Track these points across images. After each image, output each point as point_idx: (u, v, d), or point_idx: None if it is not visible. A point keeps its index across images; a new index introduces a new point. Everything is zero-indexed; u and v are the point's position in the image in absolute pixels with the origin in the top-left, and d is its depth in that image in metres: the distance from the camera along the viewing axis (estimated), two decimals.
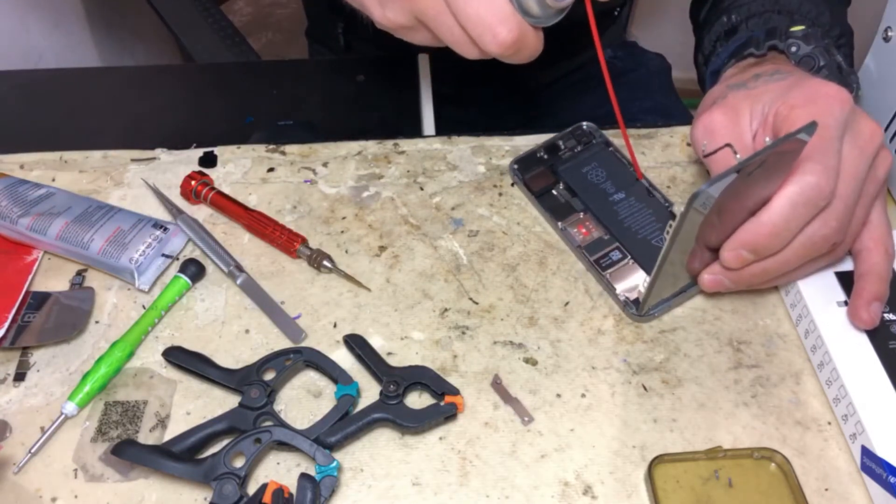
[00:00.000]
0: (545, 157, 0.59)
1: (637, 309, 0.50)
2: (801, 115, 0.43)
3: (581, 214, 0.55)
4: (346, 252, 0.55)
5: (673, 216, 0.53)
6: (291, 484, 0.42)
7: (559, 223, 0.55)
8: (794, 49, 0.52)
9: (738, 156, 0.44)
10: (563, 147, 0.59)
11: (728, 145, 0.45)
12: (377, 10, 0.42)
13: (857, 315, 0.45)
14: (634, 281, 0.51)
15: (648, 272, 0.52)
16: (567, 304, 0.51)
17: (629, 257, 0.52)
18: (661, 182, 0.58)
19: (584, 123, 0.60)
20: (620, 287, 0.51)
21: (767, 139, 0.41)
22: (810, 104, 0.44)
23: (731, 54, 0.55)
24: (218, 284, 0.53)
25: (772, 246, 0.44)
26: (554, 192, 0.57)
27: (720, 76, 0.55)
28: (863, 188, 0.45)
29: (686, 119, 0.76)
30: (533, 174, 0.58)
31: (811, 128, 0.40)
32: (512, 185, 0.58)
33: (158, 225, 0.53)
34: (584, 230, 0.54)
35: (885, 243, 0.46)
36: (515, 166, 0.58)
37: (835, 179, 0.42)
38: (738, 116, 0.47)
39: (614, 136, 0.60)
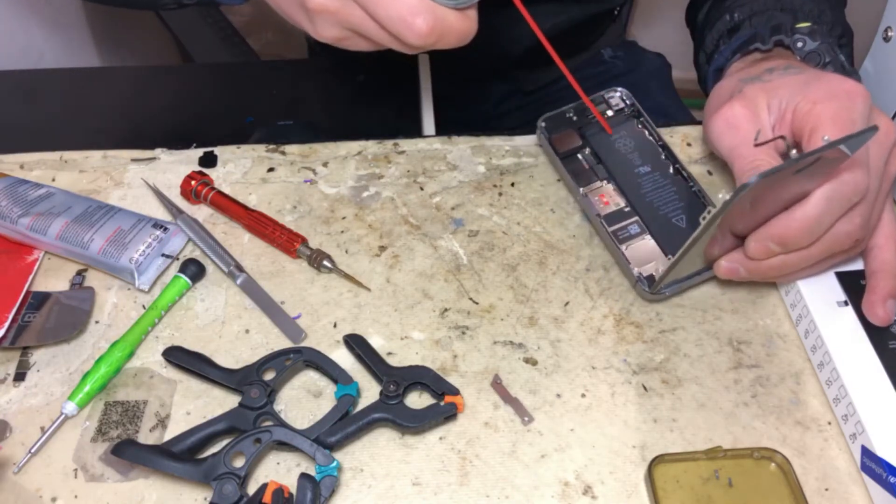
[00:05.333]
0: (574, 118, 0.58)
1: (650, 287, 0.49)
2: (823, 110, 0.43)
3: (604, 183, 0.55)
4: (346, 252, 0.55)
5: (712, 203, 0.53)
6: (291, 484, 0.42)
7: (581, 189, 0.54)
8: (799, 45, 0.51)
9: (794, 151, 0.43)
10: None
11: (782, 137, 0.44)
12: (310, 28, 0.42)
13: (873, 312, 0.45)
14: (650, 257, 0.51)
15: (665, 250, 0.51)
16: (567, 304, 0.51)
17: (647, 233, 0.52)
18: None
19: (619, 89, 0.59)
20: (635, 262, 0.51)
21: (826, 137, 0.41)
22: (832, 100, 0.43)
23: (735, 50, 0.54)
24: (218, 284, 0.53)
25: (801, 241, 0.43)
26: (579, 156, 0.56)
27: (724, 72, 0.55)
28: (880, 184, 0.45)
29: (686, 119, 0.76)
30: (560, 134, 0.57)
31: (872, 130, 0.39)
32: (512, 185, 0.58)
33: (158, 225, 0.53)
34: (605, 199, 0.54)
35: (895, 240, 0.46)
36: (543, 124, 0.58)
37: (867, 174, 0.42)
38: (757, 108, 0.46)
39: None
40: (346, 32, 0.41)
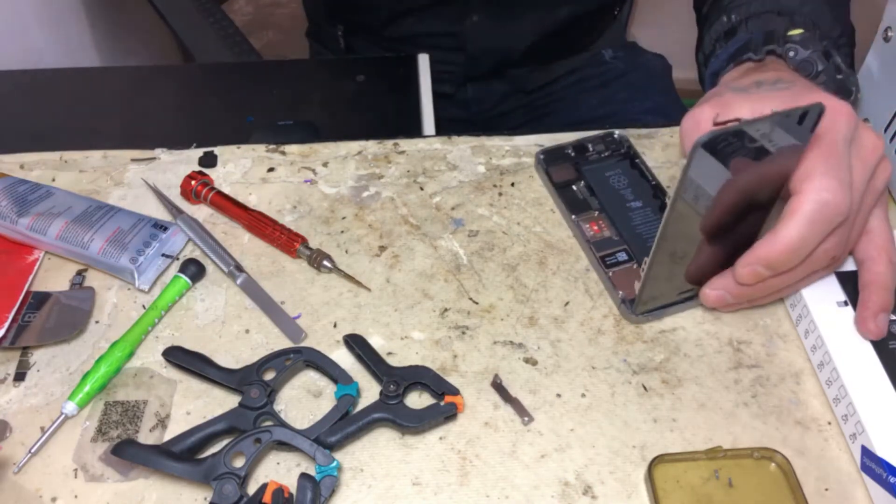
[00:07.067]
0: (572, 154, 0.59)
1: (632, 307, 0.50)
2: None
3: (596, 213, 0.55)
4: (346, 252, 0.55)
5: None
6: (291, 484, 0.42)
7: (573, 215, 0.55)
8: (791, 54, 0.52)
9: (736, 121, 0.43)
10: (591, 149, 0.60)
11: (737, 120, 0.44)
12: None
13: (864, 326, 0.45)
14: (637, 285, 0.51)
15: None
16: (567, 304, 0.51)
17: (635, 261, 0.52)
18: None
19: (616, 132, 0.61)
20: (621, 287, 0.51)
21: (773, 109, 0.41)
22: None
23: (730, 57, 0.55)
24: (218, 284, 0.53)
25: (788, 263, 0.44)
26: (574, 187, 0.57)
27: (719, 79, 0.55)
28: (862, 200, 0.45)
29: None
30: (557, 166, 0.58)
31: (818, 107, 0.39)
32: (512, 185, 0.58)
33: (158, 225, 0.53)
34: (595, 227, 0.54)
35: (888, 252, 0.46)
36: (542, 156, 0.59)
37: (850, 195, 0.42)
38: (730, 113, 0.46)
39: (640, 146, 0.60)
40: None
